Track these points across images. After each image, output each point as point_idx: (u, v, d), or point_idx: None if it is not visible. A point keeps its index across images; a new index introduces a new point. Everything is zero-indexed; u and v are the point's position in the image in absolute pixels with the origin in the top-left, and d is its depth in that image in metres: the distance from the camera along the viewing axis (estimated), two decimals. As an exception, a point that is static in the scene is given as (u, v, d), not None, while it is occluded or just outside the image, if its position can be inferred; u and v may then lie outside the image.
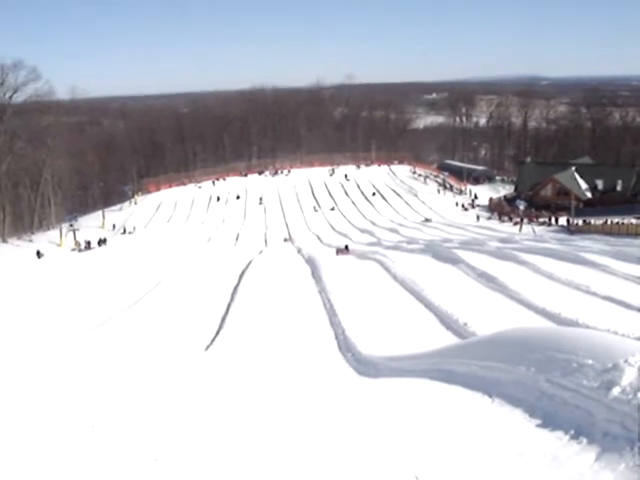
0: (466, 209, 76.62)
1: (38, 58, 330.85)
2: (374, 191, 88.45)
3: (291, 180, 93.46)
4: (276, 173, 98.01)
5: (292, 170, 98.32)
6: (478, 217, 70.05)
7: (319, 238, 59.23)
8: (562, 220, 63.38)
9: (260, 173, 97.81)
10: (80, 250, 56.59)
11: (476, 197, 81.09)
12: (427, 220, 72.84)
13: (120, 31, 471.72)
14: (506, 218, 67.01)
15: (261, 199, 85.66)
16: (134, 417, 6.88)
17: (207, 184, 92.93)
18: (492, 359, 6.60)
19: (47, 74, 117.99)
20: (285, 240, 64.41)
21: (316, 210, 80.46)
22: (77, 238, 59.57)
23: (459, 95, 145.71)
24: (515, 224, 62.17)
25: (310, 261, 32.70)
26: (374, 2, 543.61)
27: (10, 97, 71.99)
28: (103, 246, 57.33)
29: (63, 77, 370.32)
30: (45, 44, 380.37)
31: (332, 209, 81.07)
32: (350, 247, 43.02)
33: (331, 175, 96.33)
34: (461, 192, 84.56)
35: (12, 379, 10.97)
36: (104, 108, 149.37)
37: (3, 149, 69.82)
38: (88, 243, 58.12)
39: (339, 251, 41.52)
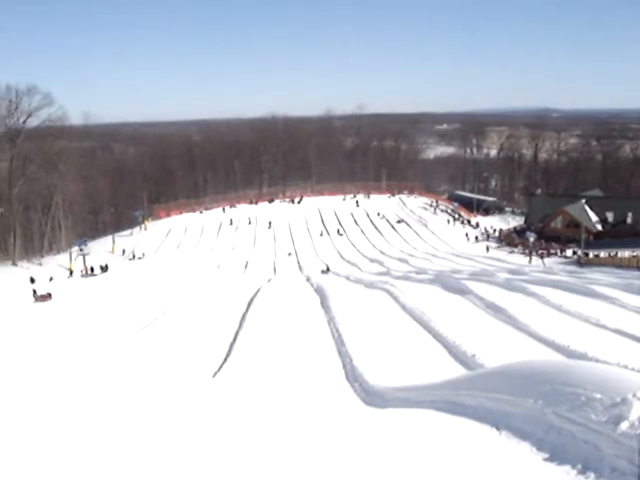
0: (477, 240, 76.29)
1: (52, 84, 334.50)
2: (378, 212, 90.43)
3: (302, 208, 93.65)
4: (291, 201, 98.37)
5: (304, 198, 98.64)
6: (488, 248, 69.88)
7: (328, 267, 59.27)
8: (570, 252, 63.36)
9: (270, 201, 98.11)
10: (83, 276, 56.82)
11: (494, 231, 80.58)
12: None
13: (133, 58, 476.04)
14: (531, 252, 66.03)
15: (270, 223, 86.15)
16: (139, 443, 6.87)
17: (217, 211, 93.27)
18: (500, 391, 6.57)
19: (61, 99, 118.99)
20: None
21: (322, 234, 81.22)
22: (73, 265, 59.75)
23: (470, 126, 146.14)
24: (542, 256, 62.02)
25: (319, 290, 32.66)
26: (385, 33, 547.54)
27: (24, 121, 72.77)
28: (105, 273, 57.38)
29: (76, 102, 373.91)
30: (59, 70, 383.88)
31: (340, 234, 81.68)
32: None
33: (351, 199, 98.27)
34: (477, 225, 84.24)
35: (19, 404, 10.98)
36: (116, 134, 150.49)
37: (16, 173, 70.41)
38: (91, 269, 58.26)
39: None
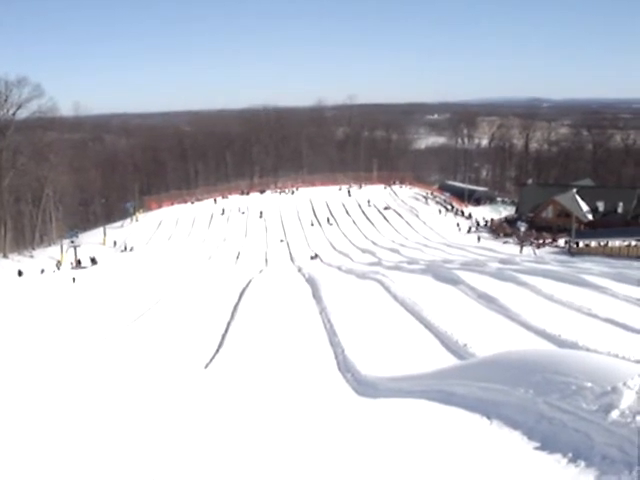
0: (470, 231, 76.19)
1: (42, 75, 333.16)
2: (369, 200, 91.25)
3: (293, 199, 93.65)
4: (283, 191, 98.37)
5: (299, 189, 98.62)
6: (479, 238, 70.01)
7: (320, 258, 59.38)
8: (563, 242, 63.51)
9: (262, 192, 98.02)
10: (73, 268, 56.66)
11: (486, 223, 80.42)
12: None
13: (124, 49, 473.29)
14: (522, 241, 65.78)
15: (261, 213, 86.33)
16: (130, 435, 6.87)
17: (208, 202, 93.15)
18: (491, 381, 6.59)
19: (51, 91, 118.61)
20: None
21: (312, 224, 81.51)
22: (63, 257, 59.66)
23: (461, 116, 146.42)
24: (538, 247, 62.18)
25: (311, 280, 32.67)
26: (376, 24, 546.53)
27: (14, 113, 72.56)
28: (94, 265, 57.11)
29: (67, 94, 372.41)
30: (49, 61, 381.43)
31: (330, 223, 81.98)
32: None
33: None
34: (470, 216, 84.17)
35: (17, 395, 10.96)
36: (107, 125, 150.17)
37: (6, 165, 70.21)
38: (78, 262, 58.03)
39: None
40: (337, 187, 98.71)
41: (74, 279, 45.44)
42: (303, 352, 17.71)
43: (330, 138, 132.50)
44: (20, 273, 52.14)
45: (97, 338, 23.55)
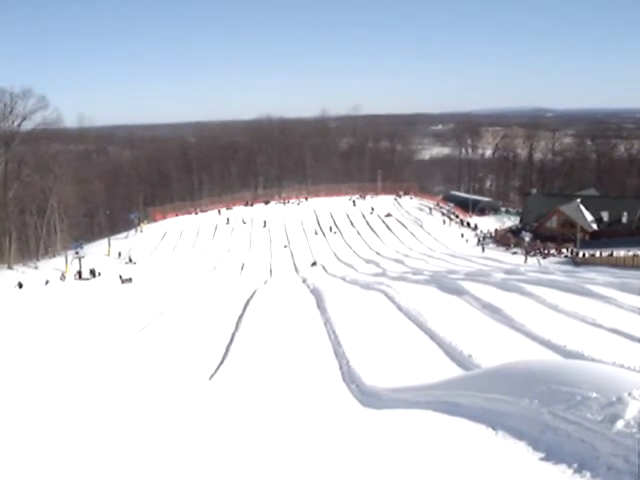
0: (479, 242, 75.72)
1: (47, 86, 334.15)
2: (372, 208, 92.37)
3: (298, 210, 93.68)
4: (287, 202, 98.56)
5: (304, 200, 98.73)
6: (484, 248, 69.85)
7: (324, 268, 59.33)
8: (569, 251, 63.37)
9: (266, 203, 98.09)
10: (77, 279, 56.60)
11: (491, 235, 80.00)
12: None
13: (128, 61, 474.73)
14: (527, 251, 65.35)
15: (265, 222, 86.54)
16: (135, 446, 6.86)
17: (213, 213, 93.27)
18: (496, 391, 6.58)
19: (55, 102, 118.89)
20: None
21: (316, 233, 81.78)
22: (68, 269, 59.67)
23: (465, 126, 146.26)
24: (544, 257, 62.13)
25: (315, 291, 32.66)
26: (380, 34, 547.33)
27: (19, 125, 72.73)
28: (95, 278, 56.83)
29: (71, 105, 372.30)
30: (54, 73, 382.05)
31: (333, 232, 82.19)
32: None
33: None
34: (476, 227, 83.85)
35: (16, 412, 10.97)
36: (111, 136, 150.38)
37: (10, 176, 70.34)
38: (79, 274, 57.91)
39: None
40: (345, 197, 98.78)
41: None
42: (308, 363, 17.69)
43: (334, 149, 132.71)
44: (20, 285, 51.66)
45: (102, 349, 23.54)
